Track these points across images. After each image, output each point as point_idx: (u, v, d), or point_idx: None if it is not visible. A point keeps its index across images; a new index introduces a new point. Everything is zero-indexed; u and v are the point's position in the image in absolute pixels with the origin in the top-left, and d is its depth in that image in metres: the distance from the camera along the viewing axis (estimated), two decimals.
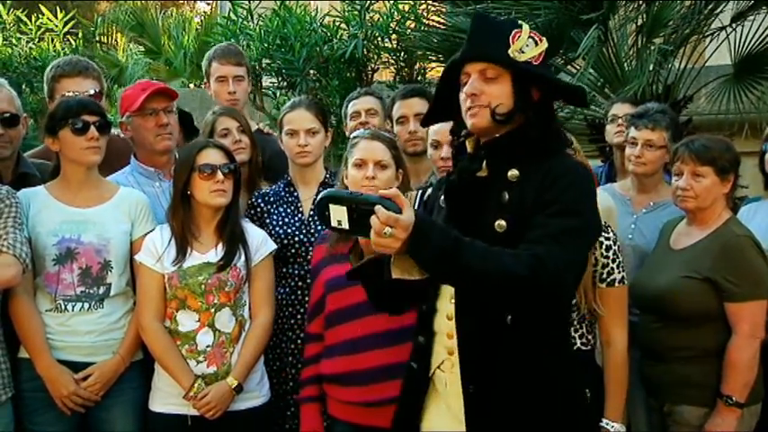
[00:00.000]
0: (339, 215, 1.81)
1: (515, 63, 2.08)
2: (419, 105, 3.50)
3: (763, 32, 4.95)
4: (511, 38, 2.08)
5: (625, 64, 4.97)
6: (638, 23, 5.01)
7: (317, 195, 3.28)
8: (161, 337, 2.92)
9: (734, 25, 5.09)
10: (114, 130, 3.33)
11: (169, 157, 3.32)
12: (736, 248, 2.89)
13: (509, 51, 2.07)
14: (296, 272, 3.25)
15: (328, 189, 1.84)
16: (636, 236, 3.34)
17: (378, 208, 1.78)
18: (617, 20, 5.02)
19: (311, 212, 3.28)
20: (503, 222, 2.02)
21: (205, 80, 4.09)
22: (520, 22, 2.16)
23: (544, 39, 2.15)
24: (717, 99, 5.07)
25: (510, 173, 2.06)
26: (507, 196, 2.05)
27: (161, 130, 3.25)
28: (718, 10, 5.06)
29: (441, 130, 3.28)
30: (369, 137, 2.90)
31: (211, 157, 2.96)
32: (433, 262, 1.86)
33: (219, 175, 2.93)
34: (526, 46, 2.09)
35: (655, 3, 4.94)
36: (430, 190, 3.32)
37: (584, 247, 2.09)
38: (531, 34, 2.12)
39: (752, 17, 5.04)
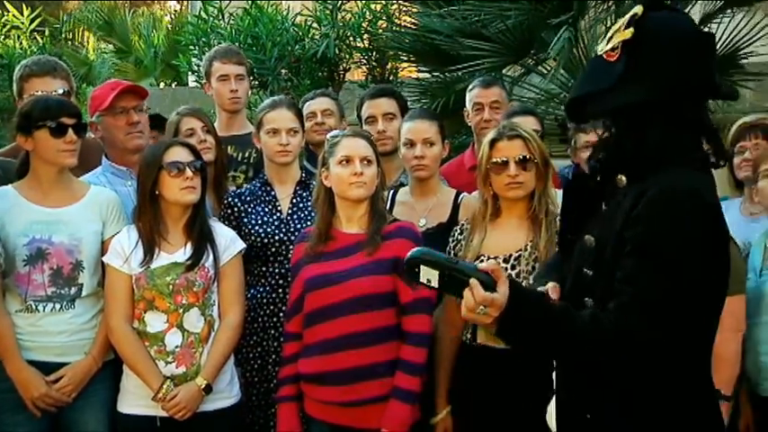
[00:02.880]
0: (430, 275, 1.75)
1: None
2: (387, 105, 3.54)
3: (730, 35, 5.02)
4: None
5: None
6: (608, 24, 5.06)
7: (294, 194, 3.28)
8: (129, 338, 2.90)
9: (702, 27, 5.15)
10: None
11: (140, 156, 3.29)
12: None
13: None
14: (276, 270, 3.24)
15: (422, 249, 1.77)
16: None
17: (473, 283, 1.70)
18: (587, 21, 5.06)
19: (289, 211, 3.27)
20: (590, 238, 1.84)
21: (204, 82, 4.08)
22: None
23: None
24: None
25: (618, 177, 1.82)
26: (605, 207, 1.85)
27: (132, 128, 3.23)
28: (686, 11, 5.11)
29: (414, 128, 3.30)
30: (351, 134, 2.92)
31: (179, 154, 2.95)
32: (520, 343, 1.81)
33: (189, 172, 2.92)
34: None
35: (623, 4, 4.99)
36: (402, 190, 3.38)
37: (672, 300, 1.69)
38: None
39: (718, 19, 5.11)
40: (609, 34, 1.80)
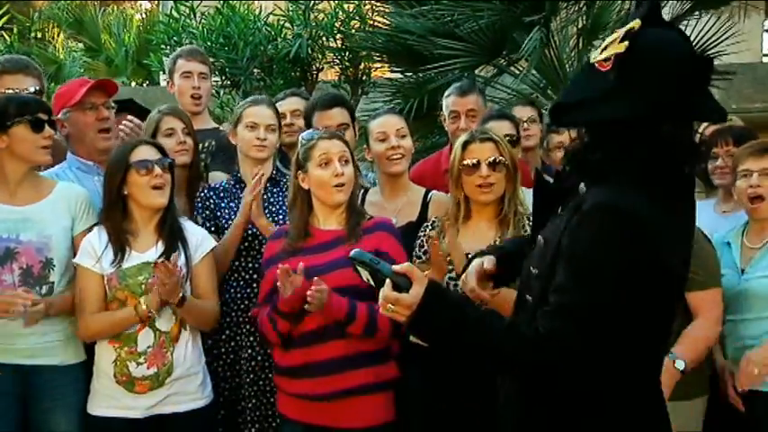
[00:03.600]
0: (365, 275, 1.90)
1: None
2: (340, 116, 3.49)
3: (698, 36, 5.09)
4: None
5: (567, 65, 5.06)
6: (579, 26, 5.11)
7: (265, 191, 3.28)
8: (96, 316, 2.88)
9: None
10: None
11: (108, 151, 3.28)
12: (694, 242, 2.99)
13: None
14: (249, 265, 3.24)
15: (356, 251, 1.91)
16: None
17: (387, 283, 1.81)
18: (559, 22, 5.11)
19: (262, 207, 3.27)
20: (541, 239, 1.88)
21: (168, 80, 4.06)
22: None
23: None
24: None
25: (581, 185, 1.85)
26: (560, 209, 1.89)
27: (102, 123, 3.20)
28: None
29: (385, 122, 3.32)
30: (326, 136, 2.93)
31: (146, 153, 2.93)
32: (431, 342, 1.87)
33: (157, 170, 2.90)
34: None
35: (594, 5, 5.04)
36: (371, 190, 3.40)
37: (598, 309, 1.70)
38: None
39: (686, 21, 5.18)
40: (604, 43, 1.81)
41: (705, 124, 3.74)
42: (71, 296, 2.93)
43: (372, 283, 1.88)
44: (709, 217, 3.32)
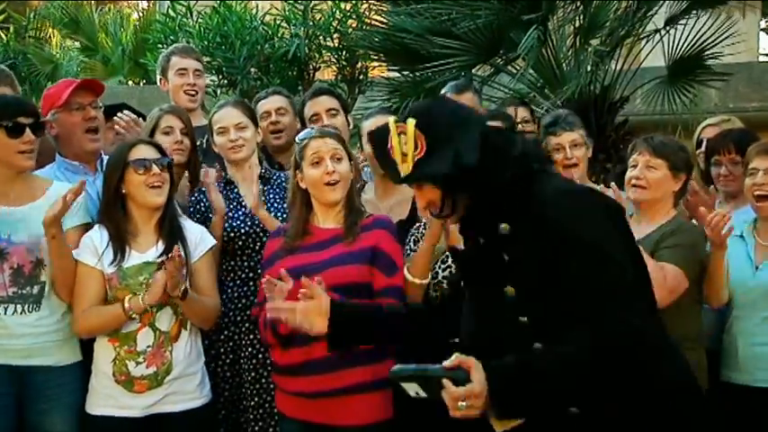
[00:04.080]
0: (413, 388, 1.79)
1: (410, 178, 1.92)
2: (329, 102, 3.59)
3: (695, 36, 5.09)
4: (390, 152, 1.91)
5: (563, 65, 5.06)
6: (576, 25, 5.11)
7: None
8: (90, 311, 2.87)
9: (667, 28, 5.22)
10: None
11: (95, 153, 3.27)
12: (685, 229, 3.01)
13: (398, 168, 1.91)
14: (245, 264, 3.24)
15: (395, 368, 1.79)
16: None
17: (445, 383, 1.72)
18: (556, 21, 5.11)
19: None
20: (511, 288, 1.88)
21: (161, 78, 4.06)
22: (387, 119, 1.96)
23: (408, 121, 1.89)
24: (652, 100, 5.20)
25: (501, 226, 1.90)
26: (506, 257, 1.89)
27: (89, 123, 3.18)
28: (652, 12, 5.19)
29: (377, 123, 3.31)
30: (318, 135, 2.93)
31: (144, 152, 2.93)
32: (529, 410, 1.80)
33: (155, 169, 2.90)
34: (404, 145, 1.89)
35: (591, 5, 5.04)
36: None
37: (621, 273, 1.82)
38: (398, 129, 1.89)
39: (683, 21, 5.19)
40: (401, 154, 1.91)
41: (701, 127, 3.79)
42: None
43: (425, 394, 1.77)
44: None
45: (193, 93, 3.87)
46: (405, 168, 1.88)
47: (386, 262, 2.82)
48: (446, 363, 1.75)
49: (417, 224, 3.11)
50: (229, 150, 3.30)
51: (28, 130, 2.88)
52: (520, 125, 3.86)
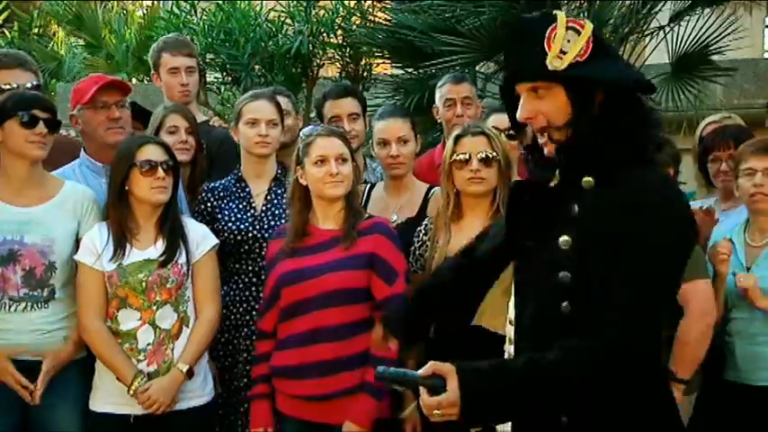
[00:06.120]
0: (397, 387, 1.87)
1: (557, 73, 1.79)
2: (352, 106, 3.52)
3: (699, 32, 5.08)
4: (546, 41, 1.79)
5: None
6: None
7: (269, 191, 3.27)
8: (103, 336, 2.88)
9: (671, 25, 5.21)
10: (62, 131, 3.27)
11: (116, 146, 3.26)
12: None
13: (547, 61, 1.79)
14: (249, 268, 3.22)
15: (379, 368, 1.82)
16: None
17: (421, 391, 1.75)
18: None
19: (264, 207, 3.26)
20: (567, 238, 1.79)
21: (153, 72, 4.01)
22: (555, 12, 1.86)
23: (586, 22, 1.83)
24: (656, 97, 5.18)
25: (584, 179, 1.81)
26: (577, 208, 1.81)
27: (112, 123, 3.18)
28: (656, 10, 5.18)
29: (387, 127, 3.32)
30: (325, 134, 2.91)
31: (152, 153, 2.92)
32: (500, 418, 1.82)
33: (160, 172, 2.89)
34: (567, 42, 1.79)
35: (595, 2, 5.04)
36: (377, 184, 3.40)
37: (661, 300, 1.78)
38: (570, 23, 1.81)
39: (688, 18, 5.17)
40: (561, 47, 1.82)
41: (703, 124, 3.78)
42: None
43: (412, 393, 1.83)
44: None
45: (187, 92, 3.81)
46: (557, 63, 1.77)
47: (386, 270, 2.80)
48: (421, 371, 1.75)
49: (419, 229, 3.08)
50: (256, 144, 3.23)
51: (42, 123, 2.88)
52: None
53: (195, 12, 6.10)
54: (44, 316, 2.90)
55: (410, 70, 5.46)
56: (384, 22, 5.58)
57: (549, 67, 1.79)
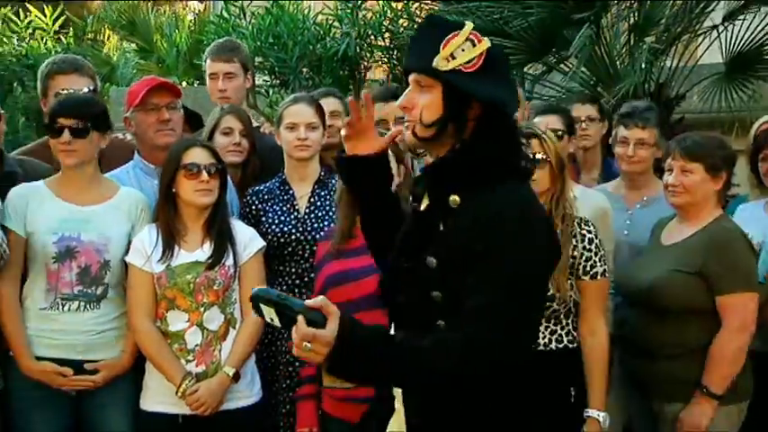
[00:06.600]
0: (270, 314, 1.74)
1: (438, 72, 1.85)
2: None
3: (754, 32, 4.97)
4: (443, 43, 1.85)
5: (617, 62, 4.99)
6: (631, 22, 5.03)
7: (312, 193, 3.29)
8: (153, 337, 2.92)
9: (725, 24, 5.11)
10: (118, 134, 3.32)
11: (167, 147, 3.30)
12: (725, 241, 2.93)
13: (435, 59, 1.85)
14: (293, 270, 3.24)
15: (260, 288, 1.79)
16: (631, 232, 3.36)
17: (299, 319, 1.68)
18: (609, 19, 5.04)
19: (307, 210, 3.28)
20: (432, 259, 1.84)
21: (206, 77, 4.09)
22: (466, 22, 1.91)
23: (484, 40, 1.88)
24: (709, 97, 5.08)
25: (451, 198, 1.86)
26: (442, 227, 1.86)
27: (162, 125, 3.22)
28: (710, 9, 5.08)
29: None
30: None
31: (198, 156, 2.95)
32: (358, 380, 1.87)
33: (204, 175, 2.92)
34: (461, 50, 1.85)
35: (646, 2, 4.96)
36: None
37: (523, 309, 1.81)
38: (471, 36, 1.86)
39: (743, 17, 5.07)
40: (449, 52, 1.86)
41: (757, 124, 3.69)
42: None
43: (278, 323, 1.74)
44: (758, 217, 3.27)
45: (225, 98, 3.82)
46: (442, 64, 1.84)
47: None
48: (309, 301, 1.72)
49: None
50: (296, 148, 3.26)
51: (66, 132, 2.92)
52: (584, 122, 3.78)
53: (244, 16, 6.16)
54: (95, 317, 2.95)
55: None
56: None
57: (434, 65, 1.85)
